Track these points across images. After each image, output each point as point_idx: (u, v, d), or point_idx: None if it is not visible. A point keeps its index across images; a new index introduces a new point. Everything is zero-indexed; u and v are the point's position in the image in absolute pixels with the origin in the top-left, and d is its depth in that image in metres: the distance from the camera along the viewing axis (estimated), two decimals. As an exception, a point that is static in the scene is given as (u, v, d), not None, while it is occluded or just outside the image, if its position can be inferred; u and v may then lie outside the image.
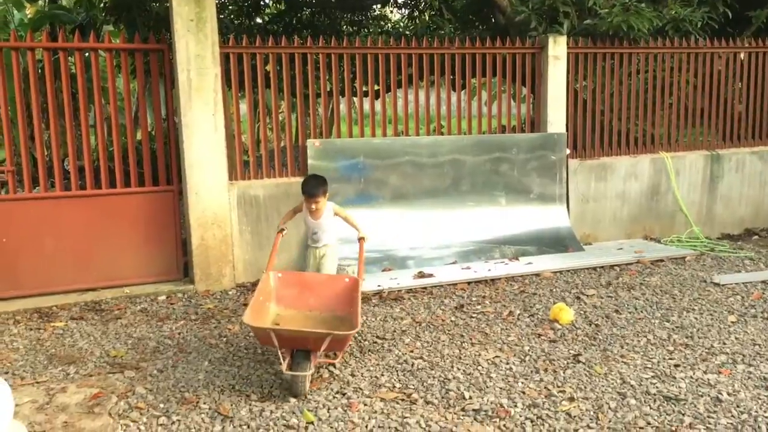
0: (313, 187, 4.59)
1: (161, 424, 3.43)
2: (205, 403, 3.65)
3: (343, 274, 4.60)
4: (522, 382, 3.90)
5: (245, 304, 5.33)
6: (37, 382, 3.96)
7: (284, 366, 3.63)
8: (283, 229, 4.61)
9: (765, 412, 3.52)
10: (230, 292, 5.78)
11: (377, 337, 4.65)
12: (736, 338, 4.55)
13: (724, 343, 4.47)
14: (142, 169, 5.90)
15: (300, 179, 6.17)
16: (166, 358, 4.31)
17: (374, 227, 6.48)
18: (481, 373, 4.03)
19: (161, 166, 5.90)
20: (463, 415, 3.51)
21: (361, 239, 4.57)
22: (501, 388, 3.83)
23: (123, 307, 5.39)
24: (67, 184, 5.78)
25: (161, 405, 3.64)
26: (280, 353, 3.67)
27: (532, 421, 3.45)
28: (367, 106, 9.78)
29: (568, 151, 7.13)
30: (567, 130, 7.19)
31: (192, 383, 3.92)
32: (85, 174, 5.73)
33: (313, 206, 4.58)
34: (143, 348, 4.50)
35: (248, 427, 3.40)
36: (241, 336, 4.68)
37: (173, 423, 3.44)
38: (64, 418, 3.48)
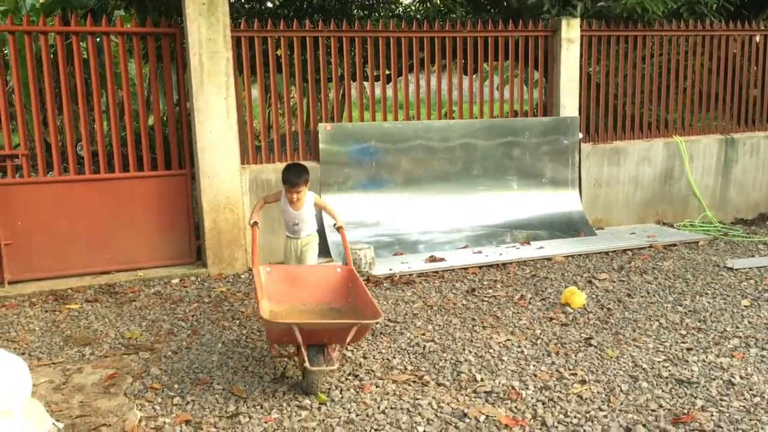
0: (295, 175, 4.33)
1: (176, 404, 3.47)
2: (218, 384, 3.69)
3: (334, 264, 4.40)
4: (533, 365, 3.91)
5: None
6: (54, 363, 4.01)
7: (306, 362, 3.36)
8: (256, 222, 4.32)
9: (778, 395, 3.51)
10: (242, 276, 5.81)
11: (389, 320, 4.67)
12: (749, 322, 4.53)
13: (737, 327, 4.45)
14: (155, 154, 5.92)
15: (312, 163, 6.19)
16: (180, 340, 4.35)
17: (385, 212, 6.49)
18: (492, 356, 4.04)
19: (173, 150, 5.93)
20: (474, 397, 3.53)
21: (339, 228, 4.38)
22: (512, 371, 3.84)
23: (137, 289, 5.44)
24: (80, 168, 5.82)
25: (176, 385, 3.68)
26: (302, 350, 3.40)
27: (543, 404, 3.46)
28: (378, 90, 9.74)
29: (580, 135, 7.08)
30: (580, 114, 7.14)
31: (206, 364, 3.96)
32: (98, 159, 5.77)
33: (295, 196, 4.34)
34: (157, 330, 4.55)
35: (261, 407, 3.43)
36: (254, 319, 4.71)
37: (188, 403, 3.48)
38: (80, 398, 3.53)
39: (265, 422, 3.28)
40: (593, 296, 5.11)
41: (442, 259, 6.04)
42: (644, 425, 3.22)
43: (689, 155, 7.58)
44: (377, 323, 3.69)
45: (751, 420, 3.24)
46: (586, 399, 3.50)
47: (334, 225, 4.44)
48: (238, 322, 4.68)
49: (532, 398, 3.51)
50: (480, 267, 5.93)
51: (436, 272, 5.80)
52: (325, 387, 3.63)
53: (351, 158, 6.36)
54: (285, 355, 3.85)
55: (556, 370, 3.84)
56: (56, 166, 5.64)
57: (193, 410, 3.41)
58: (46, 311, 4.97)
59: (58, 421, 3.16)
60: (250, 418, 3.33)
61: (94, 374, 3.83)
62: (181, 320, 4.73)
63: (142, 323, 4.68)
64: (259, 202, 4.54)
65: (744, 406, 3.39)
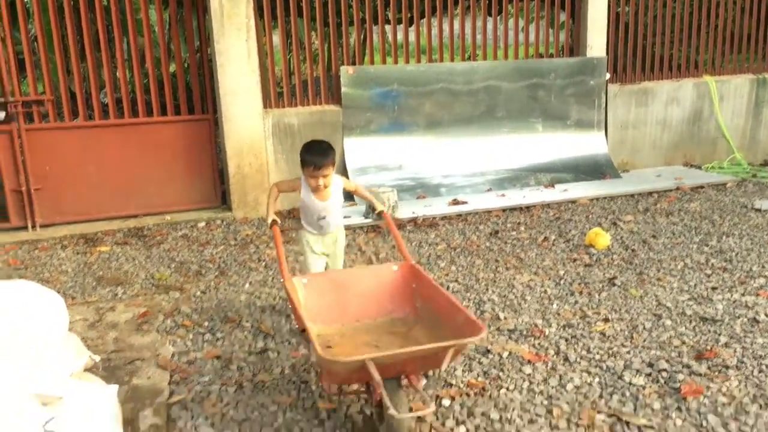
0: (320, 154, 3.35)
1: (207, 341, 3.57)
2: (247, 322, 3.79)
3: (388, 263, 3.41)
4: (557, 304, 3.94)
5: (283, 231, 5.43)
6: (87, 302, 4.14)
7: (390, 407, 2.35)
8: (276, 221, 3.37)
9: (803, 332, 3.50)
10: (267, 220, 5.87)
11: (412, 261, 4.71)
12: (776, 262, 4.51)
13: (764, 267, 4.42)
14: (178, 100, 5.94)
15: (334, 107, 6.16)
16: (208, 281, 4.45)
17: (408, 155, 6.48)
18: (515, 296, 4.08)
19: (196, 95, 5.93)
20: (498, 335, 3.57)
21: (381, 214, 3.48)
22: (536, 310, 3.87)
23: (165, 233, 5.54)
24: (105, 115, 5.86)
25: (206, 323, 3.78)
26: (381, 390, 2.39)
27: (566, 340, 3.49)
28: (400, 35, 9.59)
29: (608, 76, 6.94)
30: (607, 55, 6.97)
31: (234, 303, 4.05)
32: (122, 105, 5.80)
33: (321, 182, 3.38)
34: (186, 271, 4.65)
35: (289, 343, 3.52)
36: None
37: (218, 339, 3.58)
38: (114, 335, 3.65)
39: (293, 357, 3.37)
40: (617, 238, 5.09)
41: (464, 203, 6.04)
42: (667, 360, 3.25)
43: (719, 96, 7.40)
44: (479, 340, 2.69)
45: (774, 356, 3.25)
46: (608, 336, 3.53)
47: (372, 212, 3.72)
48: (264, 263, 4.75)
49: (555, 335, 3.55)
50: (503, 210, 5.93)
51: (459, 215, 5.81)
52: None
53: (373, 102, 6.32)
54: (349, 393, 2.91)
55: (580, 309, 3.87)
56: (81, 112, 5.69)
57: (223, 346, 3.51)
58: (78, 253, 5.10)
59: (94, 354, 3.28)
60: (278, 353, 3.42)
61: (126, 312, 3.94)
62: (209, 262, 4.82)
63: (171, 265, 4.79)
64: (271, 191, 3.52)
65: (768, 343, 3.39)
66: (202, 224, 5.74)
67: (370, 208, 3.65)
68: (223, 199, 6.07)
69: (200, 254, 5.00)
